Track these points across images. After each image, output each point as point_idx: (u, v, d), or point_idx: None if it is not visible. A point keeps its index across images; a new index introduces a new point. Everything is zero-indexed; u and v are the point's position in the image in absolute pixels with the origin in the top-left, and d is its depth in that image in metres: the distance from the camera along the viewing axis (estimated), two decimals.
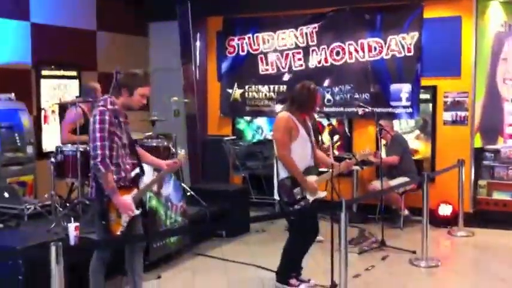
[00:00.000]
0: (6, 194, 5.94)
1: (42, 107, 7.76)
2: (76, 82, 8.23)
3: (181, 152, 4.77)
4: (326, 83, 8.11)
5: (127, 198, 4.28)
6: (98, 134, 4.13)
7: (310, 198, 4.94)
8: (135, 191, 4.37)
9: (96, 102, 4.48)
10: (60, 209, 5.82)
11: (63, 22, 8.06)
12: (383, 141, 7.46)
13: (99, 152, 4.12)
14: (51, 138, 7.65)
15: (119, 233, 4.26)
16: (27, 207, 5.81)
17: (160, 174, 4.65)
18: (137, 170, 4.41)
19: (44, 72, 7.83)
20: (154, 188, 5.75)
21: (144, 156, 4.59)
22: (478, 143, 7.64)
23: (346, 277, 4.76)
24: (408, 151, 7.50)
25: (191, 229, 6.36)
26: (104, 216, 4.25)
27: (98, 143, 4.13)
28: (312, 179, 4.96)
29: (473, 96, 7.53)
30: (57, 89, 7.98)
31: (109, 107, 4.22)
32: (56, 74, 8.01)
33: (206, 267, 5.92)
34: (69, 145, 6.07)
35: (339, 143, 7.97)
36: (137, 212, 4.36)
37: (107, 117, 4.15)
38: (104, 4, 8.70)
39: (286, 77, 8.40)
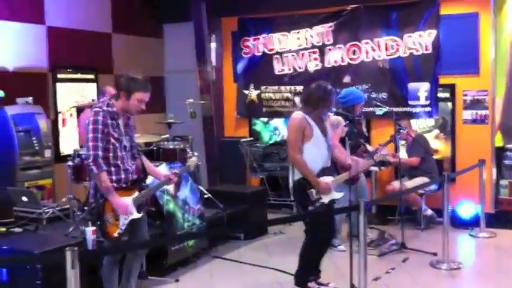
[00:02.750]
0: (24, 198, 5.97)
1: (59, 110, 7.79)
2: (93, 85, 8.25)
3: (193, 158, 4.78)
4: (343, 82, 8.01)
5: (126, 200, 4.28)
6: (90, 135, 4.18)
7: (326, 199, 4.88)
8: (136, 193, 4.37)
9: (94, 104, 4.52)
10: (78, 213, 5.83)
11: (79, 25, 8.09)
12: (402, 141, 7.37)
13: (91, 152, 4.16)
14: (69, 141, 7.68)
15: (115, 235, 4.26)
16: (46, 211, 5.84)
17: (159, 183, 4.65)
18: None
19: (61, 76, 7.86)
20: (172, 191, 5.75)
21: (145, 164, 4.59)
22: (499, 142, 7.51)
23: (366, 280, 4.71)
24: (429, 152, 7.40)
25: (209, 232, 6.33)
26: (98, 217, 4.26)
27: (91, 144, 4.17)
28: (327, 179, 4.90)
29: (493, 94, 7.41)
30: (74, 92, 8.00)
31: (104, 108, 4.25)
32: (73, 77, 8.04)
33: (224, 270, 5.89)
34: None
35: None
36: (138, 215, 4.35)
37: (100, 118, 4.19)
38: (119, 6, 8.72)
39: (302, 77, 8.34)
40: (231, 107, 8.97)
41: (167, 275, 5.57)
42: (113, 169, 4.26)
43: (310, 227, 5.06)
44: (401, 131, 7.01)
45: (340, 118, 6.03)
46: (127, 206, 4.27)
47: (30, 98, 7.03)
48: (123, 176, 4.32)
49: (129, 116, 4.44)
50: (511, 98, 7.74)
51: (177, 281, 5.49)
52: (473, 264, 6.17)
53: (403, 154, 7.40)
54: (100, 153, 4.16)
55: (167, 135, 6.87)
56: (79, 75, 8.13)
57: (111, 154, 4.25)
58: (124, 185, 4.32)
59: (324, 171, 4.92)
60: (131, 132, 4.45)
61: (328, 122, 6.02)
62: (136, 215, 4.33)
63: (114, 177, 4.26)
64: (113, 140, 4.24)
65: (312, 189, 4.85)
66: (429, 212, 7.21)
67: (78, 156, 5.94)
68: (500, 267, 5.93)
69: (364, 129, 7.87)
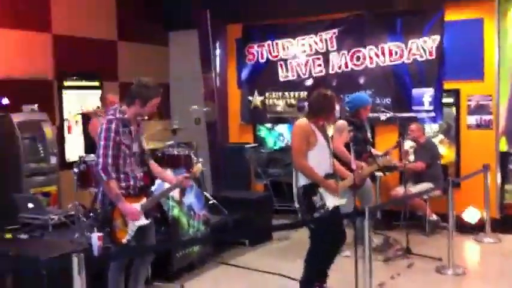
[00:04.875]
0: (30, 205, 6.00)
1: (64, 117, 7.82)
2: (98, 92, 8.28)
3: (198, 165, 4.80)
4: (347, 88, 8.02)
5: (135, 206, 4.31)
6: (102, 142, 4.22)
7: (330, 205, 4.88)
8: (144, 200, 4.40)
9: (106, 112, 4.55)
10: (84, 219, 5.84)
11: (84, 33, 8.12)
12: (410, 143, 7.37)
13: (101, 160, 4.20)
14: (75, 148, 7.71)
15: (124, 240, 4.29)
16: (51, 217, 5.86)
17: (169, 187, 4.66)
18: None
19: (66, 83, 7.90)
20: (177, 196, 5.77)
21: (155, 170, 4.63)
22: (503, 147, 7.50)
23: (371, 286, 4.70)
24: (437, 157, 7.39)
25: (214, 238, 6.34)
26: (107, 223, 4.28)
27: (101, 151, 4.21)
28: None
29: (497, 99, 7.42)
30: (80, 100, 8.03)
31: (118, 115, 4.28)
32: (78, 84, 8.08)
33: (229, 276, 5.90)
34: (92, 155, 6.09)
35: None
36: (147, 221, 4.39)
37: (113, 126, 4.23)
38: (125, 14, 8.77)
39: (306, 84, 8.36)
40: (236, 113, 8.99)
41: (172, 281, 5.57)
42: (122, 176, 4.30)
43: (314, 234, 5.06)
44: (410, 134, 7.04)
45: (345, 122, 6.04)
46: (136, 212, 4.31)
47: (36, 105, 7.05)
48: (131, 183, 4.35)
49: (139, 123, 4.47)
50: None
51: (182, 287, 5.49)
52: (479, 270, 6.16)
53: (410, 158, 7.40)
54: (110, 161, 4.20)
55: (172, 142, 6.90)
56: (84, 83, 8.17)
57: (121, 161, 4.28)
58: (132, 192, 4.35)
59: (327, 177, 4.93)
60: (141, 138, 4.49)
61: (334, 126, 6.04)
62: (144, 221, 4.36)
63: (123, 184, 4.30)
64: (123, 147, 4.28)
65: (316, 195, 4.85)
66: (434, 217, 7.19)
67: (83, 162, 5.96)
68: (505, 273, 5.91)
69: (369, 135, 7.87)
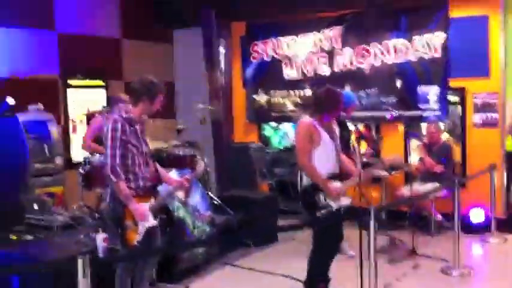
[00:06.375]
0: (35, 206, 6.01)
1: (70, 117, 7.82)
2: (103, 91, 8.28)
3: (201, 164, 4.79)
4: (352, 86, 7.99)
5: (144, 206, 4.30)
6: (109, 143, 4.21)
7: (334, 205, 4.86)
8: (152, 200, 4.40)
9: (111, 111, 4.53)
10: (90, 220, 5.85)
11: (89, 31, 8.12)
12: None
13: (109, 161, 4.17)
14: (80, 148, 7.69)
15: (135, 242, 4.27)
16: (57, 218, 5.87)
17: (172, 189, 4.64)
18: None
19: (71, 82, 7.89)
20: (182, 197, 5.76)
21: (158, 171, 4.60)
22: (510, 146, 7.47)
23: (376, 287, 4.68)
24: (451, 161, 7.35)
25: (219, 239, 6.33)
26: (119, 224, 4.27)
27: (109, 152, 4.19)
28: (336, 185, 4.88)
29: (503, 97, 7.37)
30: (84, 99, 8.02)
31: (124, 115, 4.26)
32: (83, 83, 8.07)
33: (234, 277, 5.90)
34: (97, 155, 6.10)
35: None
36: (154, 222, 4.38)
37: (119, 126, 4.21)
38: (129, 12, 8.75)
39: (311, 82, 8.33)
40: (241, 112, 8.97)
41: (177, 282, 5.57)
42: (131, 176, 4.28)
43: (317, 234, 5.05)
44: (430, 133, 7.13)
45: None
46: (146, 213, 4.30)
47: (41, 104, 7.05)
48: (141, 183, 4.34)
49: (142, 121, 4.46)
50: None
51: (187, 287, 5.50)
52: (485, 270, 6.13)
53: (416, 157, 7.37)
54: (118, 161, 4.19)
55: (176, 142, 6.89)
56: (89, 82, 8.16)
57: (129, 161, 4.27)
58: (141, 192, 4.33)
59: (333, 177, 4.89)
60: (145, 138, 4.48)
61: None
62: (153, 222, 4.35)
63: (132, 185, 4.28)
64: (131, 147, 4.27)
65: (320, 195, 4.83)
66: (439, 217, 7.17)
67: (88, 163, 5.96)
68: (511, 273, 5.88)
69: (374, 134, 7.85)
